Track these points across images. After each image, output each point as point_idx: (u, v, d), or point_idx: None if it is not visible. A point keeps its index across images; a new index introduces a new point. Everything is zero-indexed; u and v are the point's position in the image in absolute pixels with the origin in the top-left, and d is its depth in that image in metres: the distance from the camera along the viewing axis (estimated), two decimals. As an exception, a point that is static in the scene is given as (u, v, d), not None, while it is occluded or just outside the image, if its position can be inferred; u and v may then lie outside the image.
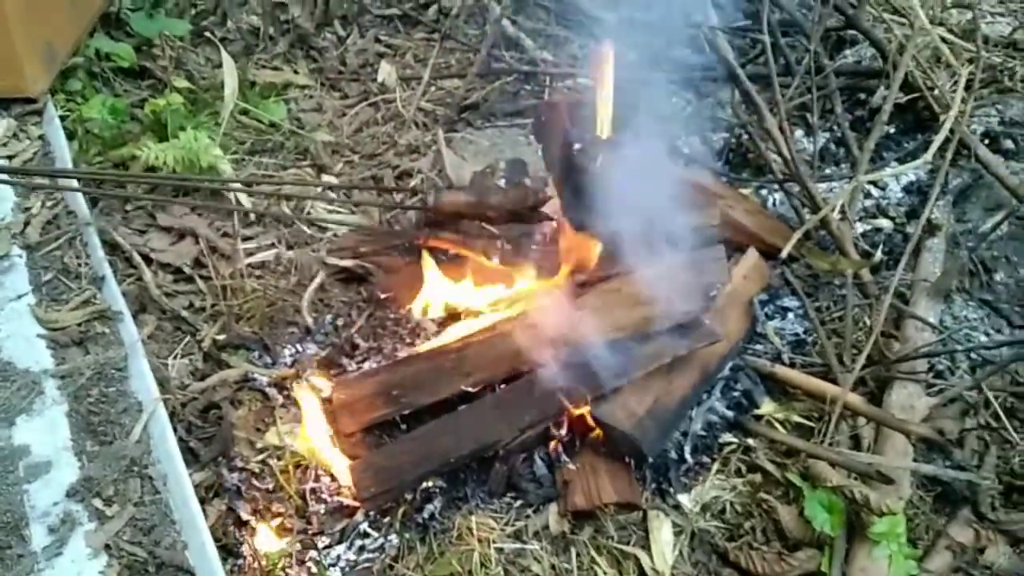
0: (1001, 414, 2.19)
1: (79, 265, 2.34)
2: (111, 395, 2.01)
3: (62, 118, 2.86)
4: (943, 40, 3.19)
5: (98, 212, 2.58)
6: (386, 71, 3.57)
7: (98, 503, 1.77)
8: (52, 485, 1.80)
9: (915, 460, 2.12)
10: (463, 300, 2.39)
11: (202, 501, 1.86)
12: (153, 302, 2.33)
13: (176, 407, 2.07)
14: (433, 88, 3.54)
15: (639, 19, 3.85)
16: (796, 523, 1.99)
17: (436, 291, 2.39)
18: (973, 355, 2.45)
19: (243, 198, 2.73)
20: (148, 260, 2.46)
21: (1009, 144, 3.11)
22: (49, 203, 2.55)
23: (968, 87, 2.78)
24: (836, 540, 1.94)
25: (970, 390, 2.27)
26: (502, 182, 2.80)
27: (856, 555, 1.92)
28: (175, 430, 1.97)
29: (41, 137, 2.79)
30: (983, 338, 2.53)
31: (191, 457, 1.99)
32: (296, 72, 3.52)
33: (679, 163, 3.11)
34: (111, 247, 2.45)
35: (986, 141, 3.06)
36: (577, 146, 2.43)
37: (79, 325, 2.17)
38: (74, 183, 2.54)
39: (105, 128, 2.85)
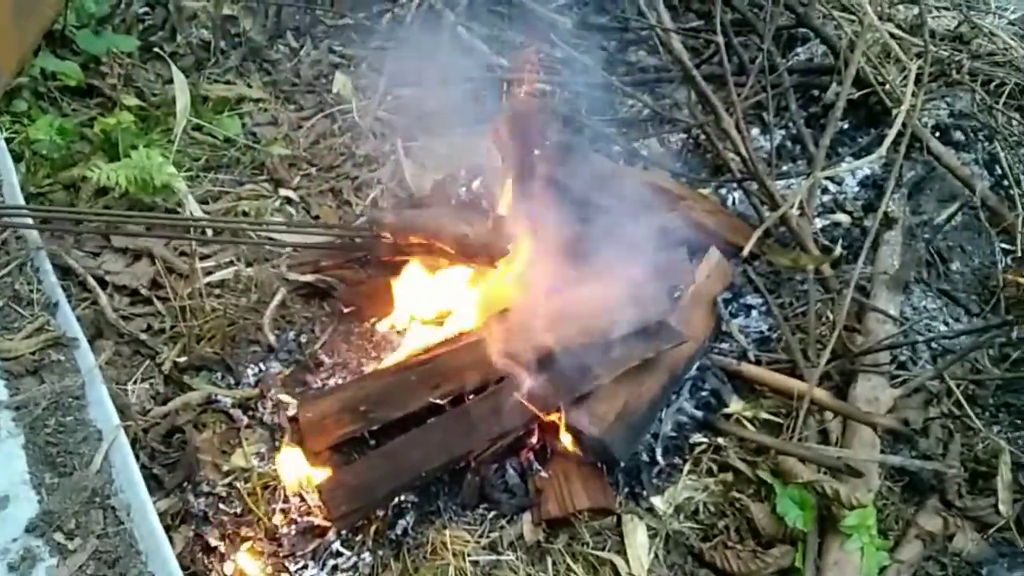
0: (963, 402, 2.23)
1: (31, 291, 2.28)
2: (69, 424, 1.95)
3: (8, 140, 2.78)
4: (891, 36, 3.25)
5: (48, 235, 2.51)
6: (341, 82, 3.53)
7: (59, 537, 1.72)
8: (10, 520, 1.74)
9: (882, 452, 2.15)
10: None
11: (168, 529, 1.82)
12: (110, 326, 2.27)
13: (138, 433, 2.02)
14: (389, 97, 3.51)
15: (593, 22, 3.89)
16: (769, 520, 2.00)
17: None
18: (934, 345, 2.49)
19: (199, 214, 2.67)
20: (103, 283, 2.39)
21: (959, 136, 3.17)
22: (-3, 228, 2.47)
23: (918, 81, 2.83)
24: (809, 535, 1.96)
25: (932, 380, 2.31)
26: (463, 191, 2.80)
27: (829, 549, 1.95)
28: (137, 457, 1.91)
29: (-13, 161, 2.71)
30: (943, 328, 2.58)
31: (155, 484, 1.94)
32: (249, 86, 3.46)
33: (639, 166, 3.13)
34: (64, 271, 2.38)
35: (937, 134, 3.12)
36: (536, 152, 2.43)
37: (33, 353, 2.10)
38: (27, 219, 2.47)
39: (53, 149, 2.78)
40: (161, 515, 1.81)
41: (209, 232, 2.65)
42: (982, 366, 2.44)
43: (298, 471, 1.99)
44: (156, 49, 3.43)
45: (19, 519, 1.74)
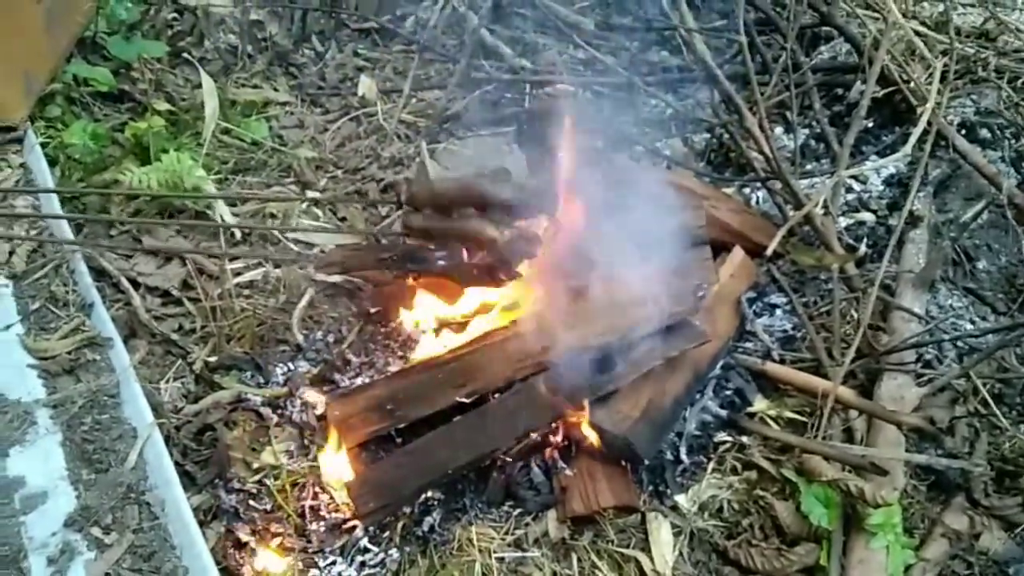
0: (989, 400, 2.22)
1: (66, 292, 2.33)
2: (105, 422, 2.00)
3: (43, 145, 2.84)
4: (916, 33, 3.23)
5: (83, 238, 2.57)
6: (366, 85, 3.58)
7: (97, 532, 1.77)
8: (49, 515, 1.79)
9: (908, 450, 2.15)
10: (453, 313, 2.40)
11: (201, 524, 1.86)
12: (143, 326, 2.32)
13: (171, 431, 2.07)
14: (414, 100, 3.55)
15: (616, 23, 3.90)
16: (793, 518, 2.01)
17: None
18: (960, 343, 2.48)
19: (228, 217, 2.73)
20: (136, 284, 2.44)
21: (985, 133, 3.14)
22: (33, 231, 2.54)
23: (943, 79, 2.82)
24: (833, 533, 1.96)
25: (958, 378, 2.30)
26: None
27: (854, 547, 1.95)
28: (171, 454, 1.96)
29: (23, 165, 2.77)
30: (969, 326, 2.56)
31: (188, 480, 1.98)
32: (276, 89, 3.52)
33: (663, 166, 3.13)
34: (98, 273, 2.43)
35: (963, 131, 3.09)
36: (560, 153, 2.45)
37: (69, 353, 2.16)
38: (58, 210, 2.54)
39: (87, 153, 2.84)
40: (193, 511, 1.85)
41: (238, 235, 2.69)
42: (1009, 364, 2.42)
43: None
44: (185, 54, 3.49)
45: (57, 514, 1.79)
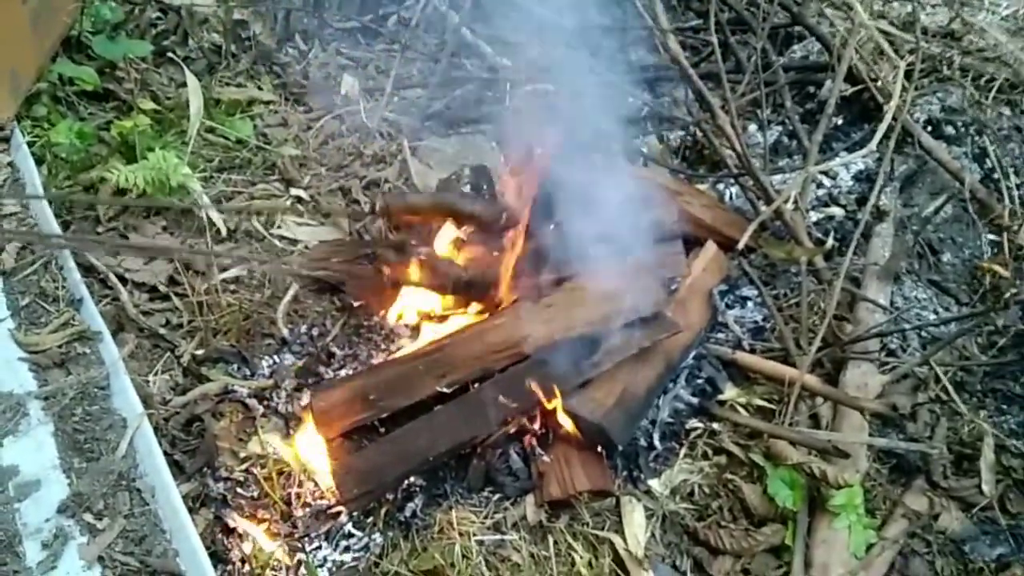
0: (950, 388, 2.31)
1: (56, 288, 2.38)
2: (95, 413, 2.06)
3: (30, 144, 2.88)
4: (885, 33, 3.32)
5: (71, 234, 2.62)
6: (349, 83, 3.63)
7: (89, 517, 1.82)
8: (43, 502, 1.85)
9: (870, 435, 2.24)
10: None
11: (190, 511, 1.91)
12: (131, 321, 2.38)
13: (159, 422, 2.12)
14: (396, 98, 3.61)
15: (595, 23, 3.95)
16: (760, 500, 2.09)
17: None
18: (923, 333, 2.57)
19: (214, 216, 2.78)
20: (123, 280, 2.49)
21: (950, 130, 3.24)
22: (22, 228, 2.58)
23: (908, 77, 2.90)
24: (798, 514, 2.05)
25: (920, 366, 2.39)
26: (467, 188, 2.89)
27: (818, 527, 2.03)
28: (160, 444, 2.02)
29: (10, 164, 2.82)
30: (932, 317, 2.65)
31: (177, 469, 2.04)
32: (260, 88, 3.56)
33: (638, 162, 3.21)
34: (86, 269, 2.48)
35: (928, 128, 3.19)
36: (539, 151, 2.52)
37: (60, 347, 2.21)
38: (47, 209, 2.58)
39: (73, 152, 2.88)
40: (183, 498, 1.91)
41: (223, 231, 2.75)
42: (970, 353, 2.51)
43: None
44: (169, 54, 3.52)
45: (51, 501, 1.85)
